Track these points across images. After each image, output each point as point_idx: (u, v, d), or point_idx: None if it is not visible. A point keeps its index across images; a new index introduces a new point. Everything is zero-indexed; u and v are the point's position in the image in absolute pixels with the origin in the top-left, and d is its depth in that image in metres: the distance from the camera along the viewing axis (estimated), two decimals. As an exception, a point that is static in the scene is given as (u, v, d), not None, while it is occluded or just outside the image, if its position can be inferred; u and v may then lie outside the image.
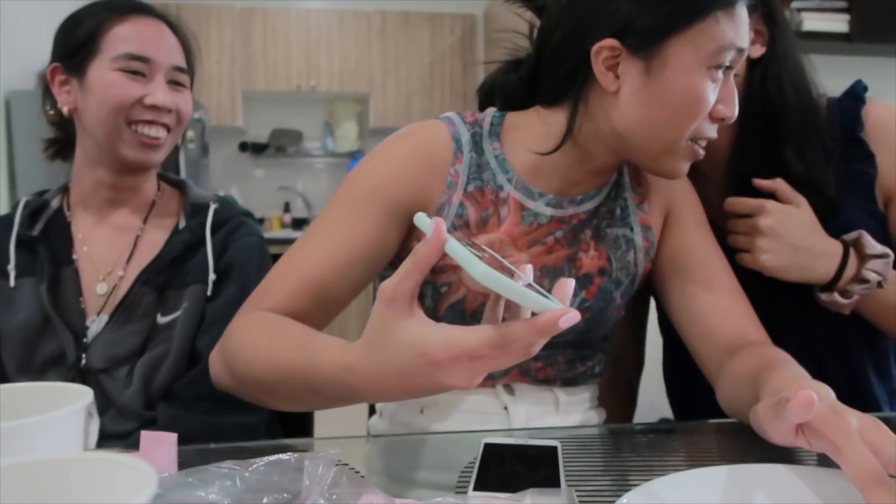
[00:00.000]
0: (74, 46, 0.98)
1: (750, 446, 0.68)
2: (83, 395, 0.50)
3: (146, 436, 0.57)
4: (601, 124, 0.79)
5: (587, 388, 0.95)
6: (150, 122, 0.97)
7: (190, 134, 3.62)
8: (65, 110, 0.99)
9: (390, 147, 0.85)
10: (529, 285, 0.49)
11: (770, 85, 0.95)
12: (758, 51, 0.95)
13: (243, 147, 4.91)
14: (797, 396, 0.52)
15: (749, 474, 0.55)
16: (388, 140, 0.85)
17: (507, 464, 0.60)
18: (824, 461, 0.53)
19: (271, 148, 4.91)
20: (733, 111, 0.77)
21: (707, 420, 0.84)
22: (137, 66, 0.96)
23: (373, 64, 4.76)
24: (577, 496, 0.49)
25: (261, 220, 4.76)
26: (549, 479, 0.57)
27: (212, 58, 4.47)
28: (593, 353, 0.93)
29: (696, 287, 0.87)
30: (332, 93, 4.84)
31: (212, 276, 0.99)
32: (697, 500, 0.51)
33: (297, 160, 5.06)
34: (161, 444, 0.56)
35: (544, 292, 0.49)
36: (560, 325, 0.46)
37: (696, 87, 0.73)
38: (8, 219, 1.02)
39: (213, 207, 1.05)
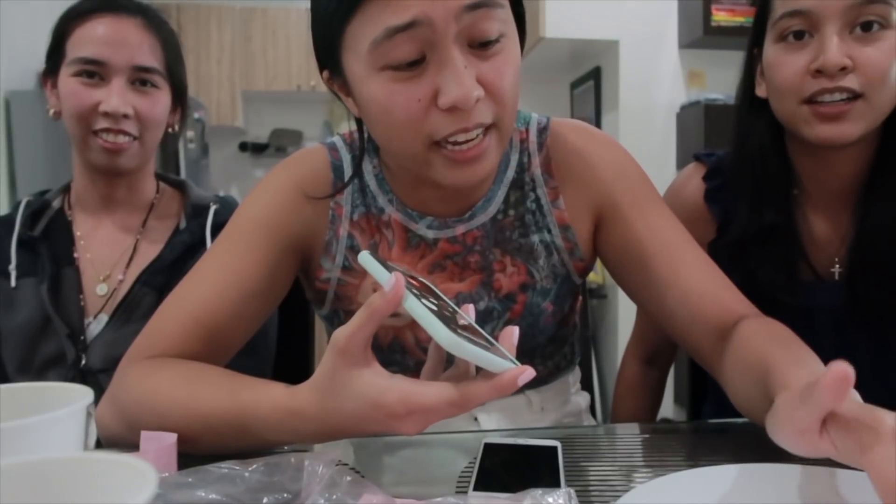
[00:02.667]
0: (49, 51, 0.98)
1: (751, 446, 0.68)
2: (83, 395, 0.50)
3: (146, 436, 0.57)
4: None
5: (560, 382, 0.92)
6: (108, 130, 0.95)
7: (190, 134, 3.62)
8: (50, 112, 0.99)
9: (273, 178, 0.81)
10: (471, 325, 0.54)
11: None
12: None
13: (243, 147, 4.91)
14: (832, 370, 0.42)
15: (749, 474, 0.55)
16: (273, 170, 0.82)
17: (507, 464, 0.60)
18: (827, 461, 0.53)
19: (271, 148, 4.91)
20: (458, 93, 0.61)
21: (707, 420, 0.84)
22: (91, 70, 0.94)
23: (373, 64, 4.77)
24: (577, 496, 0.49)
25: (261, 220, 4.74)
26: (549, 479, 0.57)
27: (212, 58, 4.45)
28: (552, 351, 0.89)
29: (664, 275, 0.76)
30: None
31: (212, 277, 0.99)
32: (697, 500, 0.51)
33: (298, 160, 5.06)
34: (161, 444, 0.57)
35: (489, 337, 0.54)
36: (518, 383, 0.49)
37: (376, 96, 0.64)
38: (9, 219, 1.02)
39: (213, 208, 1.05)
